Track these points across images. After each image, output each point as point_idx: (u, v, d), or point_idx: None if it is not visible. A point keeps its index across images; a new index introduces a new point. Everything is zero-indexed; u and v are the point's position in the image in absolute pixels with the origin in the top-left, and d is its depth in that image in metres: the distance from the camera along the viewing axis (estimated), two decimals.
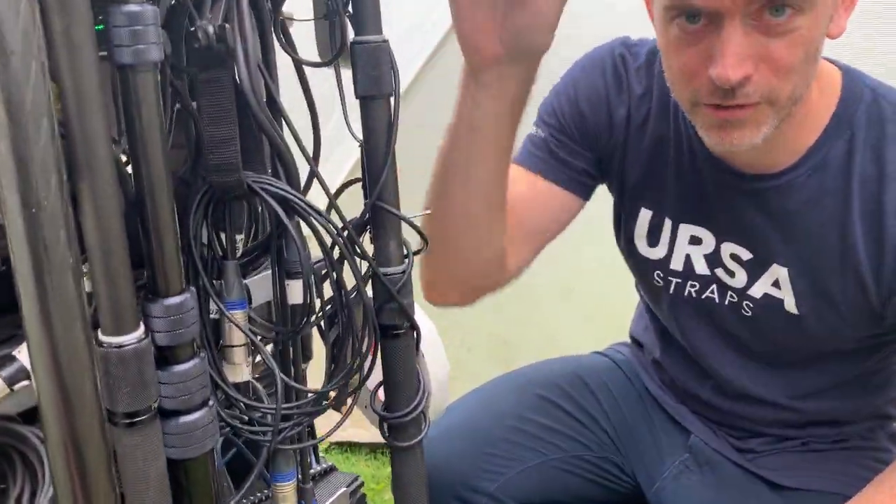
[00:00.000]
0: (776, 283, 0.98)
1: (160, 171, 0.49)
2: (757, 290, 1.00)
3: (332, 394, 0.81)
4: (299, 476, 0.73)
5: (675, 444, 1.14)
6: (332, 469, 0.89)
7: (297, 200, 0.58)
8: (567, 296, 1.74)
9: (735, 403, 1.12)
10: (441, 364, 0.77)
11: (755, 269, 0.99)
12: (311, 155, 0.64)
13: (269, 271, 0.65)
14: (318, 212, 0.59)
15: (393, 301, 0.70)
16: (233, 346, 0.60)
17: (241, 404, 0.61)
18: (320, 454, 0.97)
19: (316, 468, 0.88)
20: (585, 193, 1.06)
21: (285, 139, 0.58)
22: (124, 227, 0.48)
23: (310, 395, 0.66)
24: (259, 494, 0.79)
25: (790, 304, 0.98)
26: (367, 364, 0.70)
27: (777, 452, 1.11)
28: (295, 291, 0.62)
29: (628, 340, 1.27)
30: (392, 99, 0.66)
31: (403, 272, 0.70)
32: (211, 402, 0.56)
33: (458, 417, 1.18)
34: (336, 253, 0.63)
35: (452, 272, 0.99)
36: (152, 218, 0.50)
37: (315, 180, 0.65)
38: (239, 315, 0.60)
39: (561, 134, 1.03)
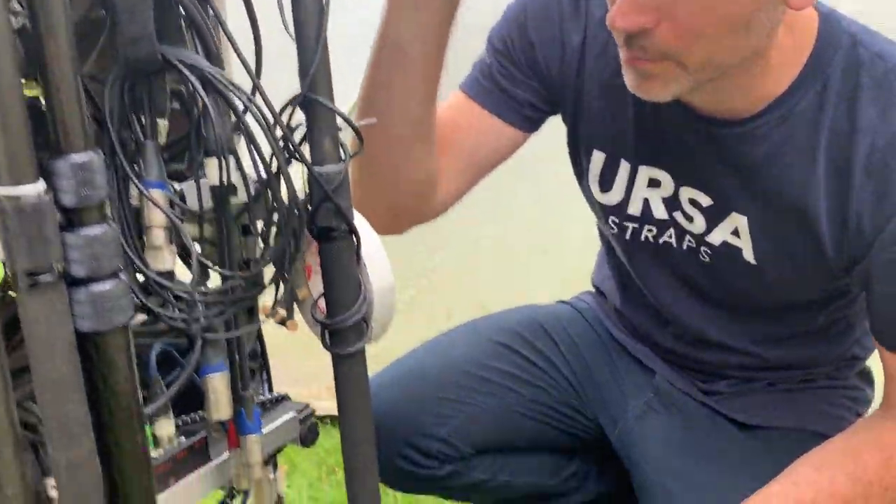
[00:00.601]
0: (735, 232, 0.95)
1: (59, 15, 0.48)
2: (716, 238, 0.97)
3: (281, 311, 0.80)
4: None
5: (639, 385, 1.13)
6: (284, 398, 0.87)
7: (214, 74, 0.56)
8: (545, 258, 1.72)
9: (696, 350, 1.10)
10: (384, 275, 0.75)
11: (714, 216, 0.96)
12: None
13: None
14: (237, 88, 0.57)
15: (329, 201, 0.68)
16: (152, 227, 0.59)
17: (159, 287, 0.59)
18: None
19: (268, 396, 0.86)
20: (529, 126, 1.02)
21: (204, 13, 0.57)
22: (17, 73, 0.47)
23: (238, 277, 0.64)
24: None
25: (748, 254, 0.95)
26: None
27: (744, 394, 1.09)
28: (213, 171, 0.60)
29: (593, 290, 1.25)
30: None
31: (339, 172, 0.69)
32: (123, 276, 0.54)
33: (407, 365, 1.16)
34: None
35: (378, 195, 0.96)
36: (51, 70, 0.48)
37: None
38: (157, 195, 0.59)
39: (508, 62, 1.00)
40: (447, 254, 1.80)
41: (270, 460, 0.86)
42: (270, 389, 0.90)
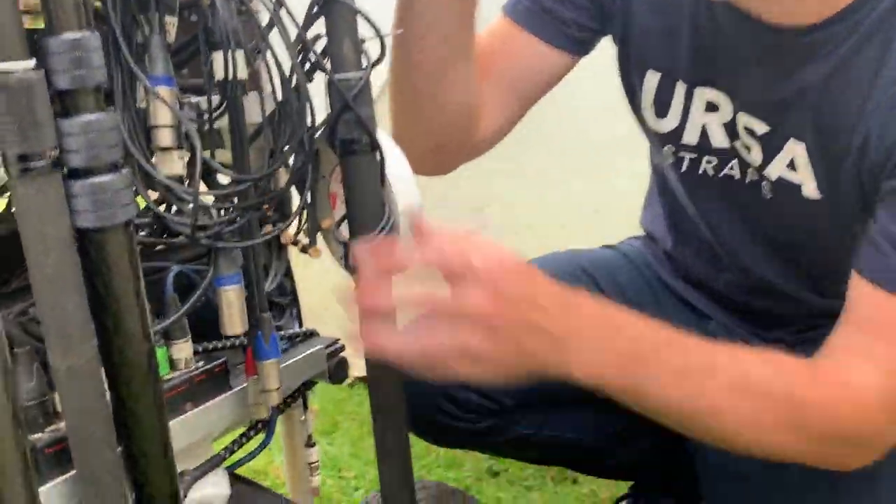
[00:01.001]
0: (792, 165, 0.87)
1: None
2: (773, 171, 0.89)
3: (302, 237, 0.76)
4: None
5: (692, 332, 1.06)
6: (313, 333, 0.84)
7: None
8: (595, 217, 1.66)
9: (754, 297, 1.03)
10: (411, 196, 0.71)
11: (770, 146, 0.88)
12: None
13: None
14: None
15: (349, 110, 0.64)
16: (157, 127, 0.55)
17: (166, 191, 0.55)
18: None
19: (297, 330, 0.83)
20: (577, 49, 0.96)
21: None
22: None
23: (247, 183, 0.60)
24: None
25: (809, 189, 0.87)
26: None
27: (809, 341, 1.02)
28: (219, 64, 0.56)
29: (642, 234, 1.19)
30: None
31: (360, 79, 0.65)
32: (124, 170, 0.51)
33: None
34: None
35: (418, 127, 0.91)
36: None
37: None
38: (164, 91, 0.55)
39: None
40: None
41: (298, 396, 0.83)
42: (300, 325, 0.87)
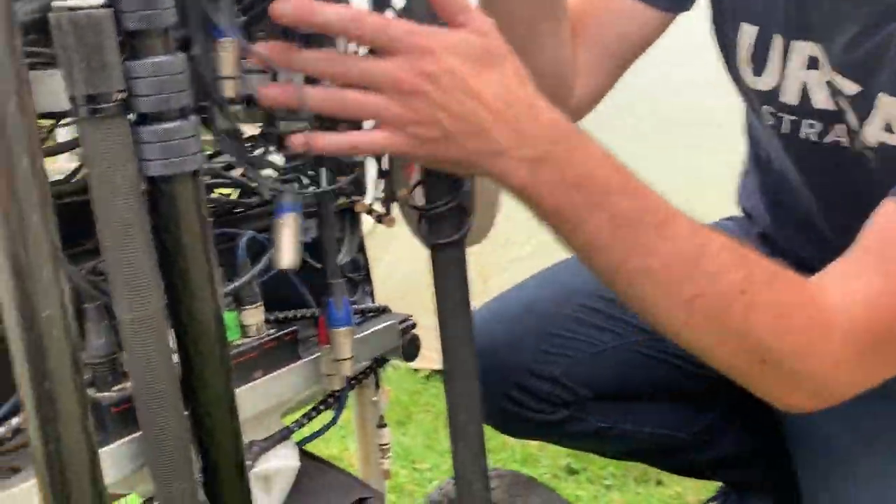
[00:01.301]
0: (889, 128, 0.79)
1: None
2: (870, 136, 0.81)
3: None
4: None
5: None
6: (385, 309, 0.82)
7: None
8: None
9: None
10: None
11: (863, 107, 0.80)
12: None
13: None
14: None
15: None
16: (222, 79, 0.53)
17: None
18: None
19: (370, 305, 0.81)
20: (672, 5, 0.90)
21: None
22: None
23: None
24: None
25: None
26: None
27: None
28: None
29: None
30: None
31: None
32: (193, 116, 0.49)
33: (514, 297, 1.05)
34: None
35: None
36: None
37: None
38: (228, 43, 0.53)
39: None
40: None
41: (370, 373, 0.81)
42: (373, 300, 0.85)
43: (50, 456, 0.46)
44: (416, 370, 1.80)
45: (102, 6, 0.44)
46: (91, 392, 0.56)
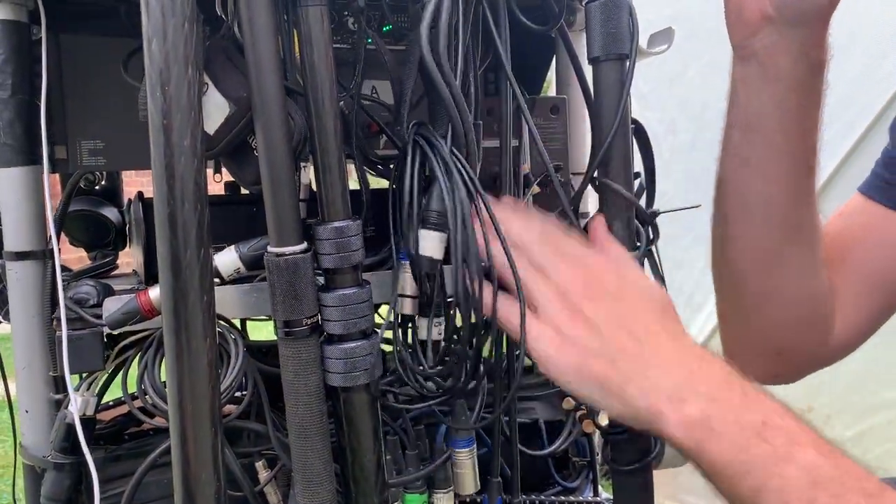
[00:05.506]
0: None
1: (329, 115, 0.55)
2: None
3: None
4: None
5: None
6: None
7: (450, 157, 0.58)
8: None
9: None
10: None
11: None
12: None
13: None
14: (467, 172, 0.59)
15: None
16: (403, 296, 0.61)
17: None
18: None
19: (588, 497, 0.83)
20: None
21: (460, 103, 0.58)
22: (292, 156, 0.54)
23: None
24: None
25: None
26: None
27: None
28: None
29: None
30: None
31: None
32: (373, 337, 0.58)
33: None
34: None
35: (749, 330, 0.79)
36: (321, 153, 0.55)
37: None
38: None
39: None
40: None
41: None
42: (596, 492, 0.86)
43: None
44: None
45: (303, 251, 0.55)
46: None
